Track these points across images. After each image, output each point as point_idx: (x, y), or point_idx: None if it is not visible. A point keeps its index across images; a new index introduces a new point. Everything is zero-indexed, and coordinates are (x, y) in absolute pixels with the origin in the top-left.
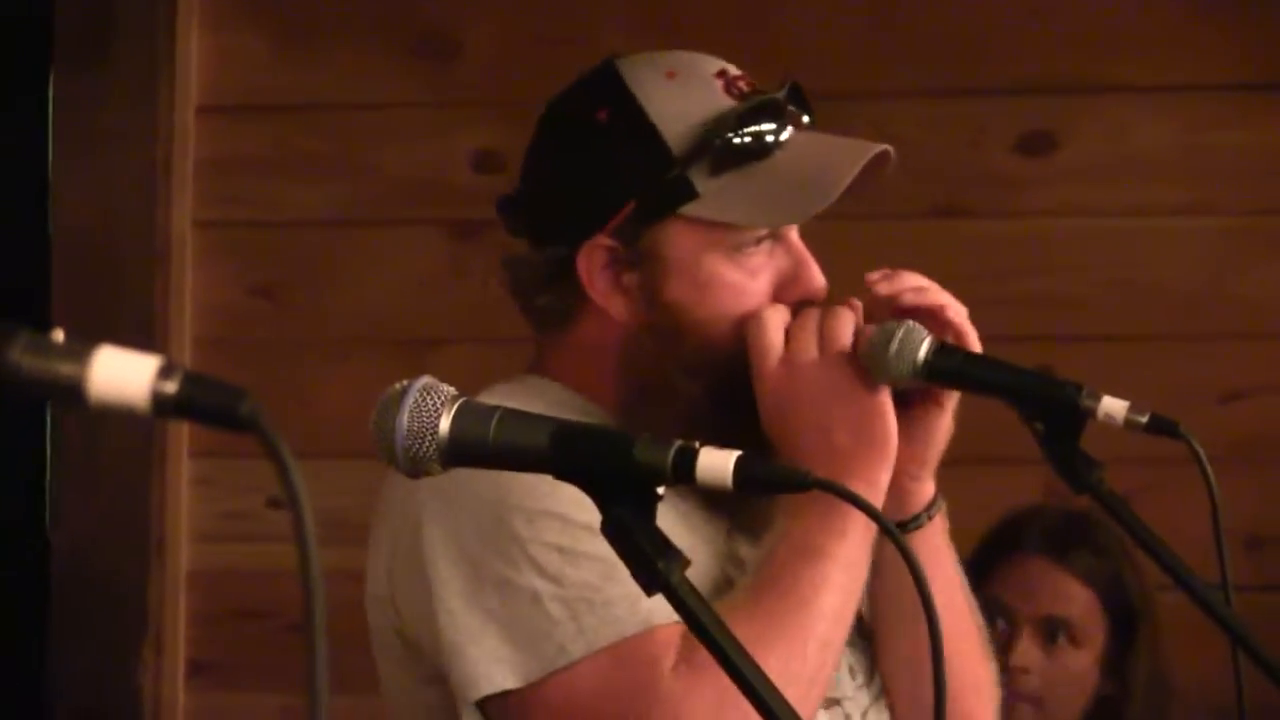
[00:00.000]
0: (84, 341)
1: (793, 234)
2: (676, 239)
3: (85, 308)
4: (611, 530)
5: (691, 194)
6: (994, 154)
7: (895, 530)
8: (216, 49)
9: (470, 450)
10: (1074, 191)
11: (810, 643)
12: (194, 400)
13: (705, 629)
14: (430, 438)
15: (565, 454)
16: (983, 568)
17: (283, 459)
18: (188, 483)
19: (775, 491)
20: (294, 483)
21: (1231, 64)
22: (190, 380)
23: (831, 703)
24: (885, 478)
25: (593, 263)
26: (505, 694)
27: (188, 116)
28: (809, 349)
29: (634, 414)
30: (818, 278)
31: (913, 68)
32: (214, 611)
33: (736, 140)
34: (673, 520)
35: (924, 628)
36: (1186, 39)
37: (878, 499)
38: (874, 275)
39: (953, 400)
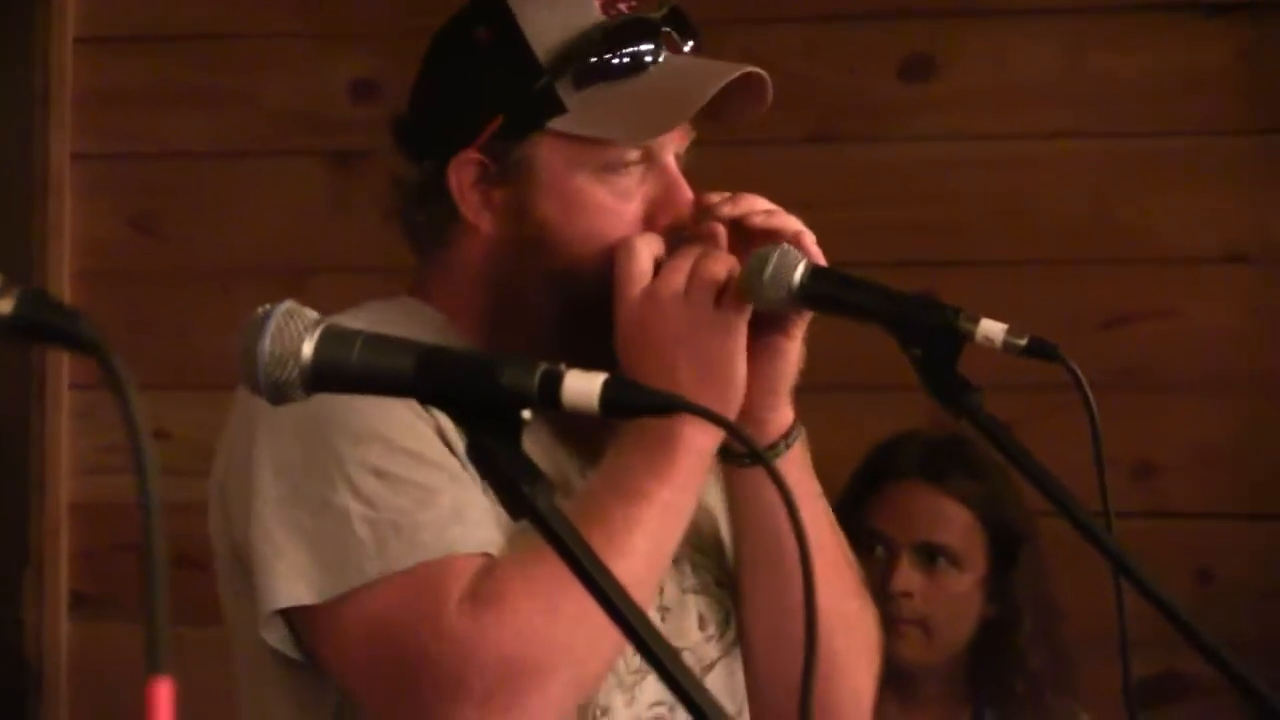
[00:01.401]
0: None
1: (666, 157)
2: (545, 155)
3: None
4: (477, 455)
5: (559, 108)
6: (873, 79)
7: (765, 455)
8: None
9: (333, 375)
10: (955, 117)
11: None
12: (31, 320)
13: (574, 555)
14: (293, 362)
15: (430, 378)
16: (858, 496)
17: (120, 379)
18: (68, 415)
19: (640, 415)
20: (130, 403)
21: None
22: (27, 299)
23: None
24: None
25: (462, 177)
26: (305, 610)
27: (65, 47)
28: (675, 284)
29: (494, 333)
30: (688, 201)
31: None
32: (96, 545)
33: (605, 55)
34: (536, 453)
35: (786, 569)
36: None
37: (717, 436)
38: (714, 197)
39: (801, 328)
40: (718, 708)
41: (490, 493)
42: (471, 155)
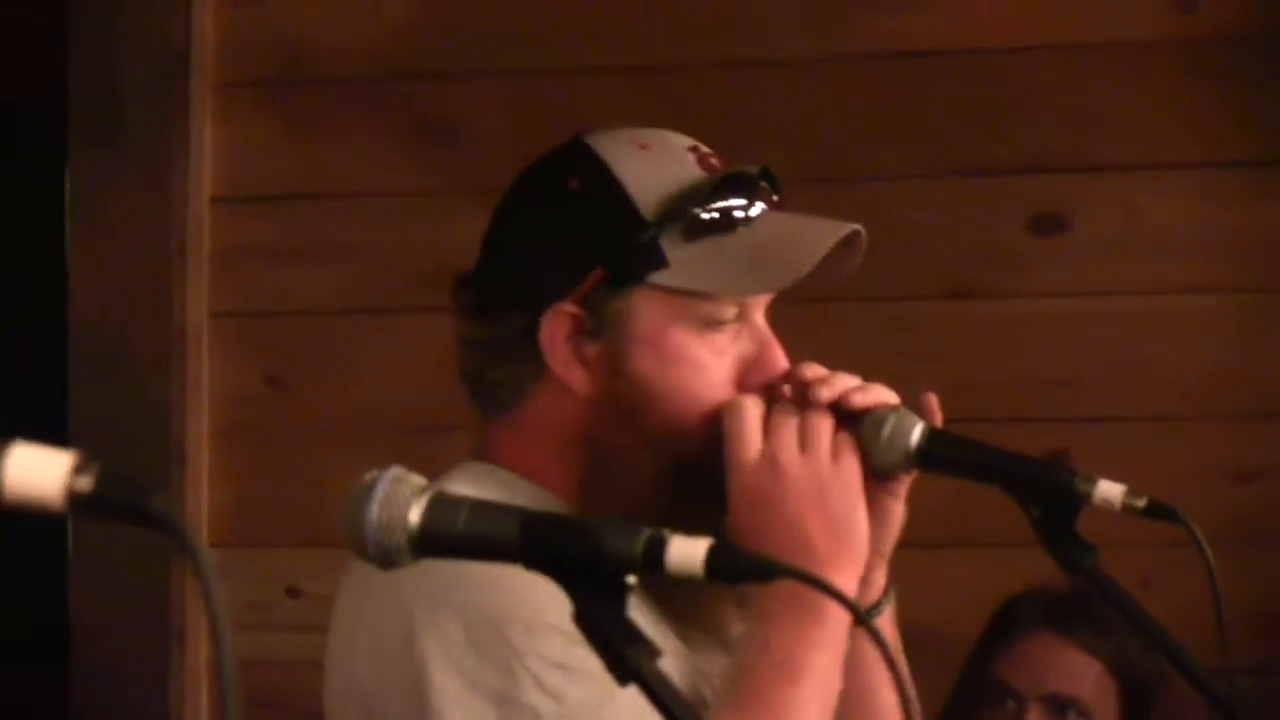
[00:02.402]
0: None
1: (758, 317)
2: (644, 308)
3: (101, 397)
4: (582, 621)
5: (662, 262)
6: (1004, 235)
7: (879, 632)
8: (227, 139)
9: (440, 541)
10: (1084, 271)
11: None
12: (108, 497)
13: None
14: (400, 529)
15: (534, 545)
16: (988, 648)
17: (196, 552)
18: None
19: (744, 581)
20: (207, 574)
21: (1238, 141)
22: (106, 477)
23: None
24: (855, 584)
25: (556, 331)
26: None
27: (202, 206)
28: (790, 447)
29: (585, 494)
30: (781, 361)
31: (919, 149)
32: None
33: (709, 210)
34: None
35: None
36: (1193, 116)
37: (854, 594)
38: (807, 373)
39: (904, 488)
40: None
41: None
42: (567, 308)
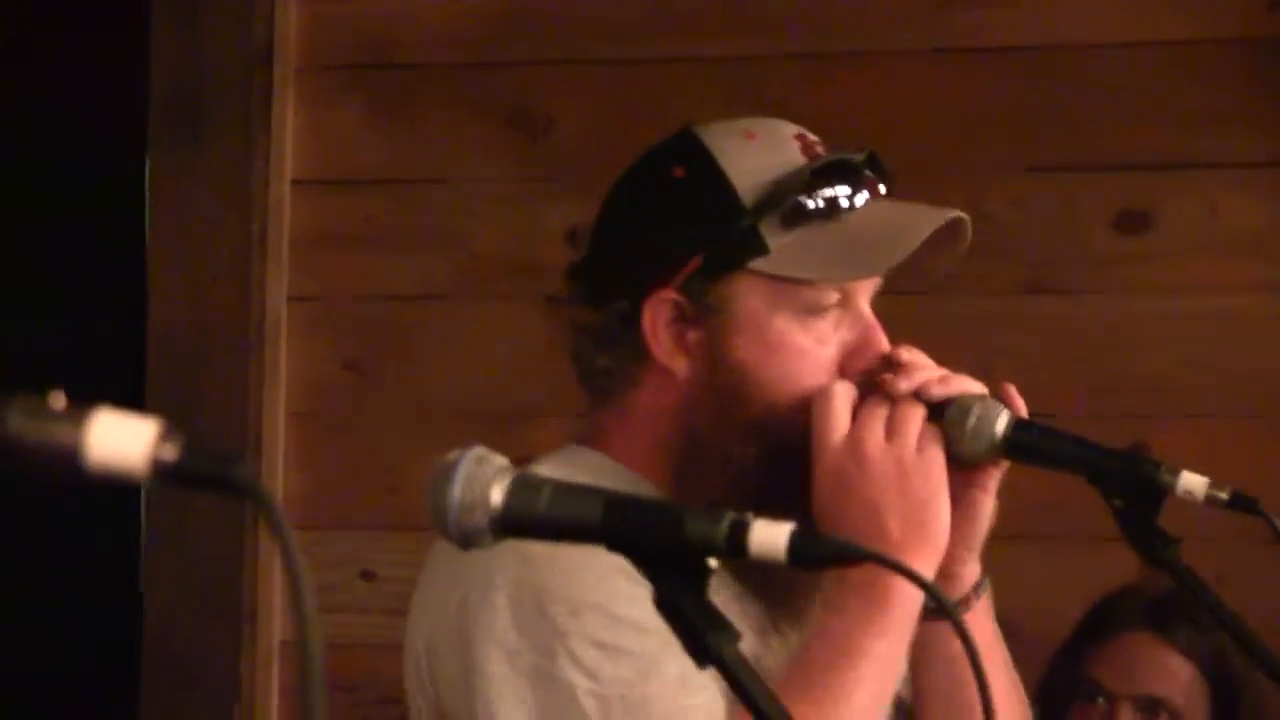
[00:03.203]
0: (82, 405)
1: (862, 303)
2: (745, 295)
3: (179, 382)
4: (663, 604)
5: (762, 248)
6: (1087, 231)
7: (956, 611)
8: (310, 123)
9: (521, 522)
10: (1167, 269)
11: None
12: (193, 466)
13: (758, 704)
14: (482, 509)
15: (616, 527)
16: (1080, 645)
17: (279, 523)
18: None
19: (827, 566)
20: (290, 546)
21: None
22: (189, 447)
23: None
24: (932, 573)
25: (657, 317)
26: None
27: (283, 190)
28: (875, 433)
29: (682, 481)
30: (884, 346)
31: (1004, 144)
32: None
33: (809, 196)
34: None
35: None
36: (1277, 115)
37: (920, 594)
38: (902, 356)
39: (996, 481)
40: None
41: None
42: (668, 294)
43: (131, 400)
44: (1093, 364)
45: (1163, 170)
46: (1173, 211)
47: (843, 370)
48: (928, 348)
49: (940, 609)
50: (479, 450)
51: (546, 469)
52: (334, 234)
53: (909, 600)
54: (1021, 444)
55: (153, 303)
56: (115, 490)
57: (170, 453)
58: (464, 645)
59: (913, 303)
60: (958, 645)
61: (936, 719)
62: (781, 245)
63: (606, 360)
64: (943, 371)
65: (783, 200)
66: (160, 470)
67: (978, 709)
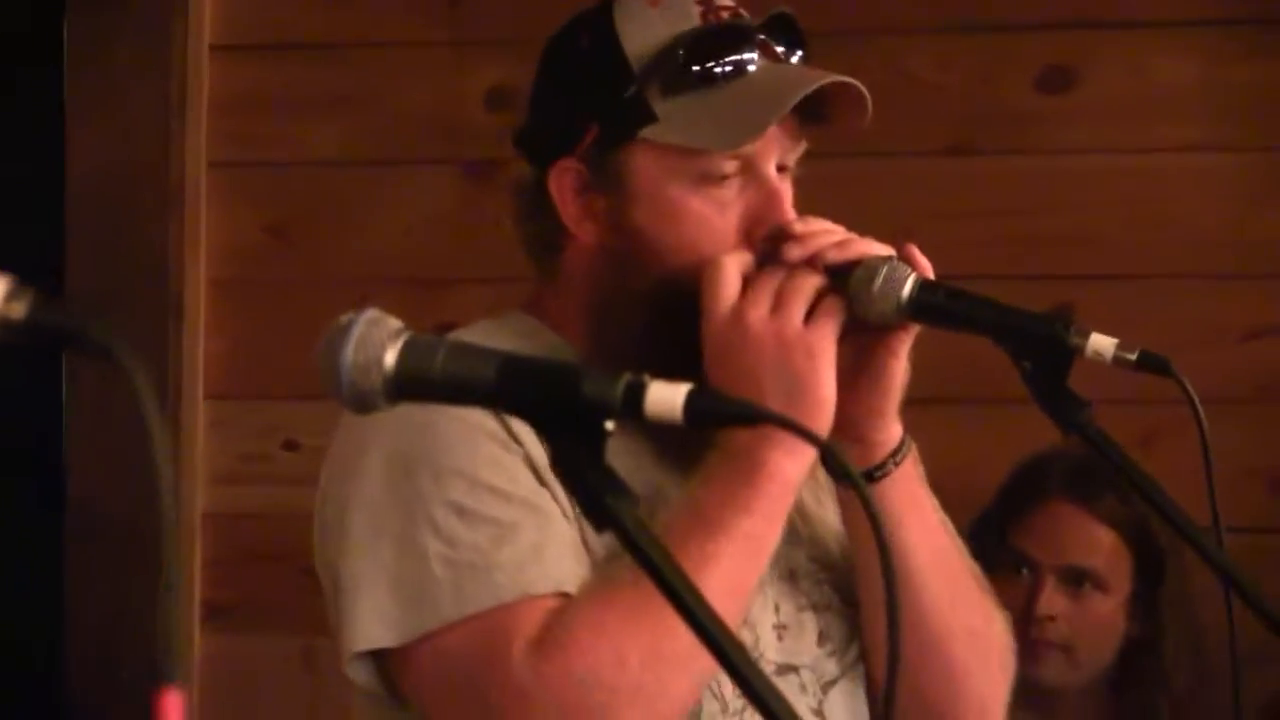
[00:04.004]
0: None
1: (767, 168)
2: (641, 164)
3: (99, 248)
4: (559, 466)
5: (650, 116)
6: (1011, 91)
7: (854, 472)
8: None
9: (415, 384)
10: (1092, 129)
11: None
12: (43, 323)
13: (657, 568)
14: (376, 371)
15: (511, 388)
16: (1004, 514)
17: (136, 381)
18: (203, 425)
19: (725, 425)
20: (149, 405)
21: None
22: (39, 303)
23: (786, 669)
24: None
25: (563, 185)
26: (383, 649)
27: (202, 55)
28: (760, 305)
29: (598, 344)
30: (787, 212)
31: (928, 3)
32: (230, 555)
33: (693, 62)
34: (636, 469)
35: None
36: None
37: (805, 462)
38: (795, 229)
39: (906, 345)
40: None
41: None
42: (570, 164)
43: (53, 264)
44: (1016, 224)
45: (1089, 28)
46: (1098, 70)
47: (746, 237)
48: (849, 210)
49: (841, 472)
50: (373, 312)
51: (473, 333)
52: (254, 98)
53: (781, 480)
54: (928, 305)
55: (71, 167)
56: (35, 368)
57: (19, 310)
58: (341, 507)
59: (835, 165)
60: (881, 508)
61: (870, 583)
62: (668, 113)
63: (533, 226)
64: (844, 236)
65: (665, 67)
66: (8, 326)
67: (908, 570)
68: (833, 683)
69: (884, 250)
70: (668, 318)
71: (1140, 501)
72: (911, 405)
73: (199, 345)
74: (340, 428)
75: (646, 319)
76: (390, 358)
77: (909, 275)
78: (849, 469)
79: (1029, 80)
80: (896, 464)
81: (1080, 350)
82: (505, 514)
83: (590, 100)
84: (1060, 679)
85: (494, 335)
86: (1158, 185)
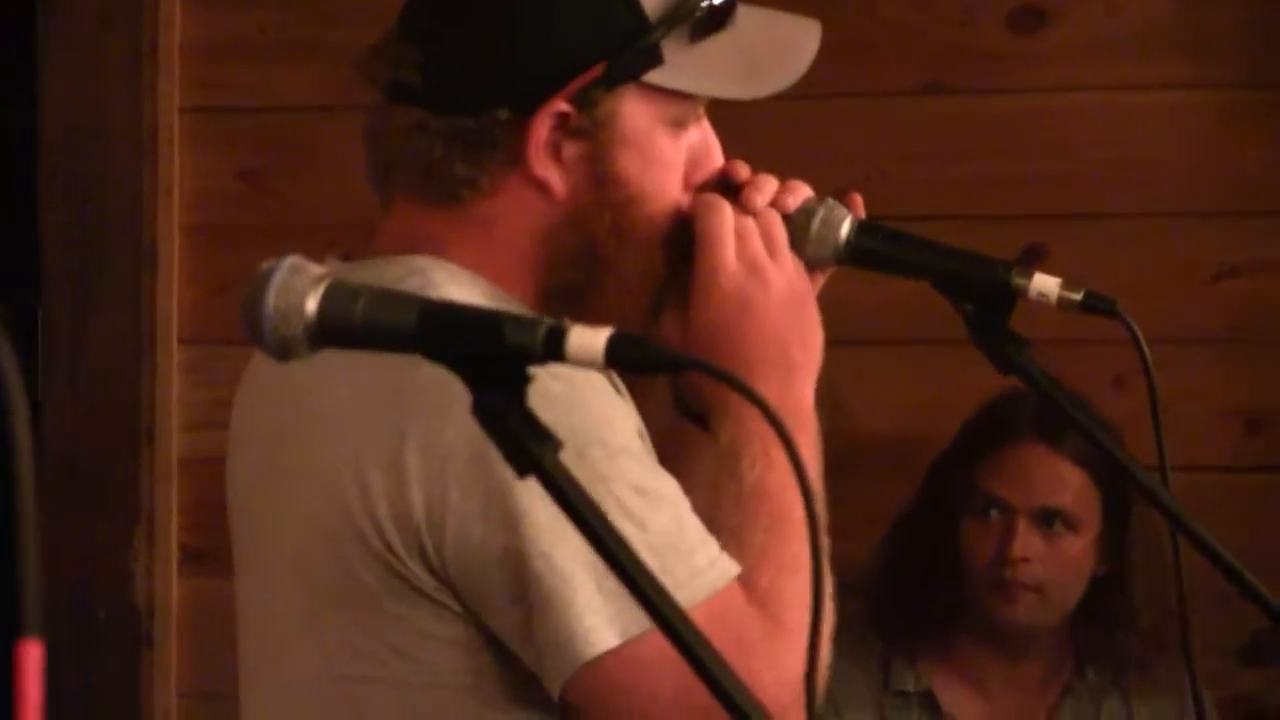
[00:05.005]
0: None
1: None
2: (632, 109)
3: (73, 195)
4: (482, 412)
5: (658, 59)
6: (983, 31)
7: (783, 425)
8: None
9: (337, 331)
10: (1065, 68)
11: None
12: None
13: (578, 514)
14: (297, 318)
15: (433, 335)
16: (968, 458)
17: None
18: (178, 370)
19: (649, 372)
20: (11, 388)
21: None
22: None
23: None
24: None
25: (539, 130)
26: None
27: (173, 1)
28: (759, 250)
29: (553, 297)
30: (719, 160)
31: None
32: (205, 499)
33: (712, 5)
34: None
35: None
36: None
37: (803, 386)
38: (742, 174)
39: (819, 286)
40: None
41: None
42: (559, 105)
43: (27, 210)
44: (988, 165)
45: None
46: (1071, 8)
47: (685, 183)
48: (821, 150)
49: (765, 415)
50: (294, 259)
51: (412, 281)
52: (226, 44)
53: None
54: (865, 249)
55: (42, 111)
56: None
57: None
58: (494, 495)
59: (807, 106)
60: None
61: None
62: (675, 59)
63: (465, 169)
64: (782, 182)
65: (685, 11)
66: None
67: None
68: None
69: (810, 193)
70: (652, 265)
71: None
72: (875, 345)
73: (173, 291)
74: (343, 371)
75: (626, 268)
76: (311, 304)
77: (846, 218)
78: (770, 411)
79: (1001, 19)
80: None
81: (1022, 291)
82: (668, 488)
83: (598, 40)
84: (1031, 620)
85: (444, 284)
86: (1131, 124)
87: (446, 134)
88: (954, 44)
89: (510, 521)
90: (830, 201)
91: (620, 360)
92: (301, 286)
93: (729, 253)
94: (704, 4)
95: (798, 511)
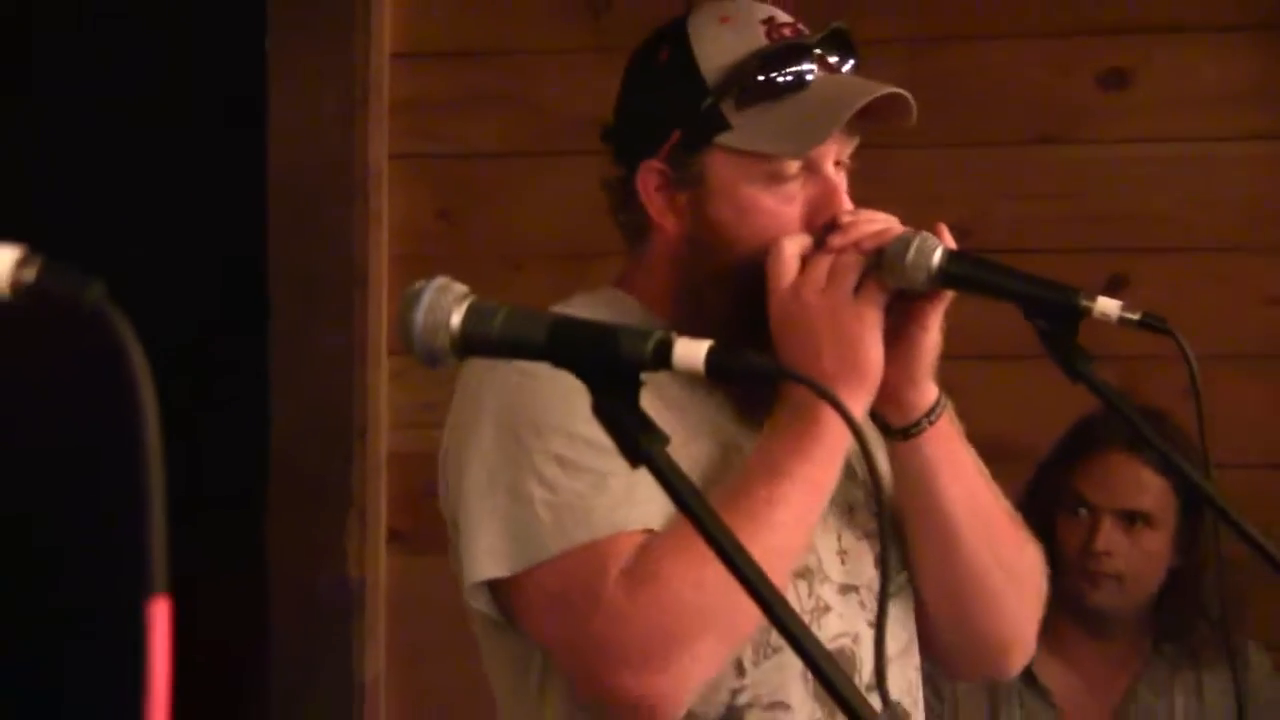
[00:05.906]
0: None
1: (826, 165)
2: (718, 166)
3: (297, 231)
4: (599, 410)
5: (724, 125)
6: (1075, 89)
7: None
8: (407, 2)
9: (478, 343)
10: (1146, 122)
11: (754, 549)
12: (47, 287)
13: (685, 502)
14: (444, 331)
15: (558, 346)
16: (1064, 461)
17: (123, 341)
18: (387, 376)
19: (743, 378)
20: (135, 363)
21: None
22: (46, 269)
23: (848, 589)
24: (863, 402)
25: (648, 184)
26: (500, 581)
27: (383, 62)
28: (818, 280)
29: (683, 316)
30: (843, 204)
31: (1005, 13)
32: (411, 489)
33: (760, 77)
34: (679, 407)
35: (938, 526)
36: None
37: (855, 412)
38: (842, 219)
39: (935, 319)
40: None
41: None
42: (655, 164)
43: (256, 247)
44: (1079, 205)
45: (1144, 33)
46: (1151, 71)
47: (807, 225)
48: (935, 193)
49: (846, 422)
50: (441, 280)
51: (575, 306)
52: (427, 99)
53: (836, 427)
54: (956, 274)
55: (271, 159)
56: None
57: (29, 275)
58: (460, 458)
59: (926, 157)
60: (920, 460)
61: (916, 522)
62: (741, 122)
63: (624, 216)
64: (885, 224)
65: (737, 82)
66: (20, 290)
67: (947, 514)
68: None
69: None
70: (742, 295)
71: (1190, 453)
72: (976, 362)
73: (382, 311)
74: (455, 396)
75: (724, 299)
76: (456, 320)
77: (937, 246)
78: (851, 418)
79: (1090, 79)
80: (931, 422)
81: (1088, 311)
82: (600, 464)
83: (671, 110)
84: (1113, 604)
85: (587, 307)
86: (1205, 169)
87: (611, 189)
88: (1049, 101)
89: (458, 478)
90: (924, 234)
91: (718, 368)
92: (447, 304)
93: (781, 282)
94: (759, 77)
95: (761, 532)
